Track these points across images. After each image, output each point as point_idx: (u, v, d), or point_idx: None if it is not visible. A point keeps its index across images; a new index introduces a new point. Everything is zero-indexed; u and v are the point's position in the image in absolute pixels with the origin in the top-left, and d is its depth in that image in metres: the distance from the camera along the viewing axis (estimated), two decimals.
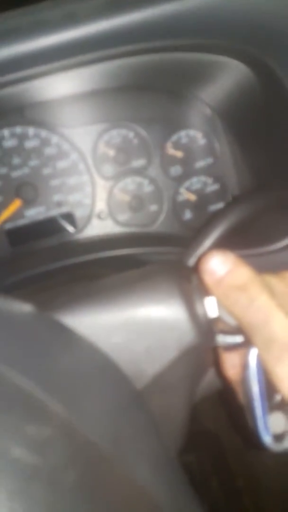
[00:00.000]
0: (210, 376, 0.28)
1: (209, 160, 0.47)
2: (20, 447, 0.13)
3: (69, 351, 0.20)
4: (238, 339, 0.26)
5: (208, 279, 0.25)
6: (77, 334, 0.23)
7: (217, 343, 0.26)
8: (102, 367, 0.22)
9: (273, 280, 0.25)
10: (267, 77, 0.34)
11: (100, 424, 0.17)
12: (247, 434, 0.25)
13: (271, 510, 0.56)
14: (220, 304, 0.25)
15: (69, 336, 0.22)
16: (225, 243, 0.33)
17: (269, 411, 0.24)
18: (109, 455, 0.17)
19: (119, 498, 0.15)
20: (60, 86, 0.43)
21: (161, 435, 0.22)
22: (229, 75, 0.38)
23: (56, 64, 0.31)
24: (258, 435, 0.24)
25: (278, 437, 0.24)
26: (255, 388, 0.24)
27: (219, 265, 0.25)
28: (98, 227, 0.46)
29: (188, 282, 0.27)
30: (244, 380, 0.25)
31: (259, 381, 0.24)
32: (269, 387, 0.24)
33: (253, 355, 0.25)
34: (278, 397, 0.25)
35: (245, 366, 0.25)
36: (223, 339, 0.26)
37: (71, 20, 0.31)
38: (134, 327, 0.25)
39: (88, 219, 0.46)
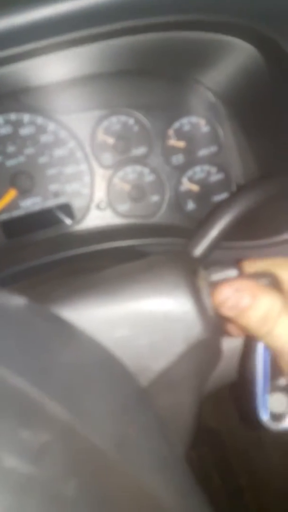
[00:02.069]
0: (216, 372, 0.27)
1: (213, 149, 0.45)
2: (13, 456, 0.11)
3: (68, 347, 0.19)
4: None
5: (229, 313, 0.25)
6: (77, 329, 0.21)
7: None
8: (105, 364, 0.20)
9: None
10: (276, 59, 0.32)
11: (104, 426, 0.16)
12: (246, 410, 0.26)
13: (273, 507, 0.55)
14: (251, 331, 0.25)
15: (68, 331, 0.20)
16: (232, 234, 0.32)
17: (270, 391, 0.25)
18: (115, 460, 0.15)
19: (126, 506, 0.14)
20: (57, 69, 0.41)
21: (168, 434, 0.21)
22: (234, 57, 0.36)
23: (51, 40, 0.29)
24: (257, 412, 0.25)
25: (277, 417, 0.25)
26: (260, 367, 0.25)
27: (232, 296, 0.25)
28: (97, 218, 0.44)
29: (194, 273, 0.25)
30: (250, 358, 0.25)
31: (265, 361, 0.25)
32: (273, 369, 0.25)
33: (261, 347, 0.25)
34: (281, 381, 0.25)
35: (253, 345, 0.25)
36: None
37: None
38: (138, 320, 0.23)
39: (86, 210, 0.44)
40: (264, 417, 0.25)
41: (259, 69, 0.34)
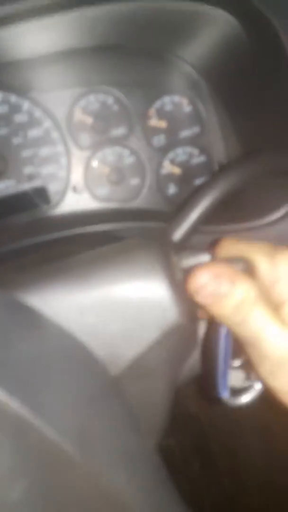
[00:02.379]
0: (193, 358, 0.27)
1: (195, 129, 0.43)
2: None
3: (28, 335, 0.17)
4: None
5: (201, 300, 0.23)
6: (41, 315, 0.20)
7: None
8: (70, 353, 0.19)
9: (267, 267, 0.23)
10: (259, 30, 0.30)
11: (63, 419, 0.14)
12: (208, 387, 0.26)
13: (252, 491, 0.56)
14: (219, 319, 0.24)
15: (29, 317, 0.19)
16: (215, 218, 0.30)
17: (230, 369, 0.25)
18: (74, 456, 0.14)
19: (81, 508, 0.13)
20: (31, 44, 0.39)
21: (140, 424, 0.20)
22: (216, 29, 0.34)
23: (21, 4, 0.27)
24: (218, 389, 0.25)
25: (235, 392, 0.26)
26: (221, 348, 0.24)
27: (213, 280, 0.23)
28: (74, 202, 0.42)
29: (169, 257, 0.24)
30: (212, 340, 0.25)
31: (226, 343, 0.24)
32: (233, 349, 0.25)
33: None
34: (239, 361, 0.26)
35: (215, 328, 0.24)
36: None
37: None
38: (110, 306, 0.22)
39: (62, 194, 0.42)
40: (224, 394, 0.25)
41: (242, 42, 0.33)
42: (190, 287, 0.23)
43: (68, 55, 0.41)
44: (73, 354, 0.19)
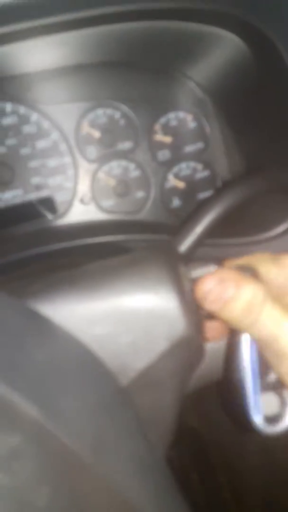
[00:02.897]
0: (198, 370, 0.27)
1: (200, 145, 0.44)
2: None
3: (43, 343, 0.18)
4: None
5: (210, 305, 0.24)
6: (54, 324, 0.20)
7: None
8: (82, 362, 0.19)
9: (273, 271, 0.24)
10: (264, 53, 0.31)
11: (79, 427, 0.15)
12: (237, 413, 0.24)
13: (252, 505, 0.56)
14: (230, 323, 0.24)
15: (44, 326, 0.19)
16: (220, 231, 0.31)
17: (262, 391, 0.23)
18: (89, 463, 0.14)
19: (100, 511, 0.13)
20: (41, 58, 0.40)
21: (148, 434, 0.20)
22: (221, 50, 0.35)
23: (34, 23, 0.28)
24: (249, 414, 0.23)
25: (270, 419, 0.24)
26: (247, 365, 0.23)
27: (219, 286, 0.23)
28: (80, 213, 0.43)
29: (177, 270, 0.25)
30: (236, 355, 0.24)
31: (252, 358, 0.23)
32: (262, 366, 0.24)
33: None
34: (271, 377, 0.24)
35: (237, 343, 0.24)
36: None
37: None
38: (119, 317, 0.23)
39: (69, 204, 0.43)
40: (258, 419, 0.23)
41: (247, 62, 0.34)
42: (198, 294, 0.24)
43: (77, 70, 0.42)
44: (85, 362, 0.19)
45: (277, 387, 0.24)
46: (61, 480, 0.12)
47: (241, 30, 0.31)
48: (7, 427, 0.12)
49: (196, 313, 0.24)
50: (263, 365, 0.24)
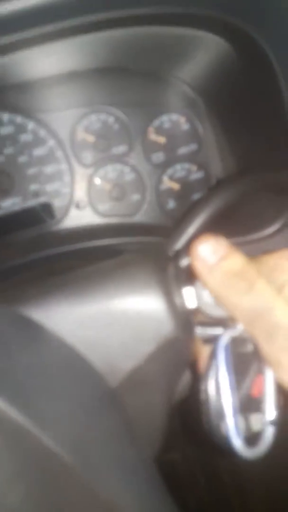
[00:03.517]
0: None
1: (193, 146, 0.45)
2: None
3: (28, 347, 0.18)
4: (219, 331, 0.24)
5: (200, 265, 0.23)
6: (41, 328, 0.21)
7: (196, 336, 0.25)
8: (68, 364, 0.20)
9: (263, 268, 0.23)
10: (249, 52, 0.32)
11: (61, 427, 0.15)
12: (210, 437, 0.23)
13: (258, 507, 0.55)
14: (214, 293, 0.23)
15: (30, 330, 0.20)
16: (210, 231, 0.31)
17: (240, 410, 0.22)
18: (71, 465, 0.15)
19: None
20: (35, 67, 0.41)
21: (137, 437, 0.21)
22: (207, 51, 0.36)
23: (28, 33, 0.29)
24: (227, 438, 0.21)
25: (251, 440, 0.22)
26: (225, 382, 0.22)
27: (212, 251, 0.23)
28: (78, 218, 0.44)
29: (165, 271, 0.25)
30: (211, 373, 0.23)
31: (229, 374, 0.22)
32: (239, 382, 0.23)
33: (222, 345, 0.23)
34: (245, 397, 0.23)
35: (213, 359, 0.23)
36: (202, 331, 0.25)
37: None
38: (108, 319, 0.23)
39: (66, 209, 0.44)
40: (237, 443, 0.21)
41: (232, 62, 0.34)
42: (191, 255, 0.23)
43: (71, 77, 0.43)
44: (72, 365, 0.20)
45: (256, 404, 0.22)
46: (37, 481, 0.13)
47: (224, 32, 0.32)
48: None
49: (185, 314, 0.24)
50: (240, 383, 0.22)
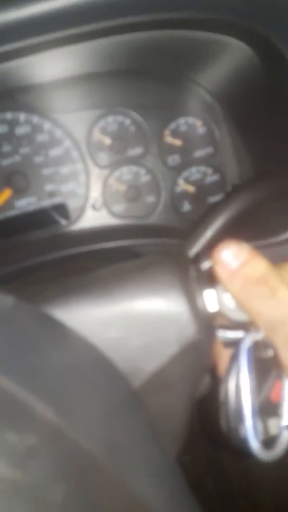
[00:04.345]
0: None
1: (209, 150, 0.45)
2: None
3: (58, 347, 0.18)
4: (240, 334, 0.24)
5: (222, 271, 0.23)
6: (68, 328, 0.21)
7: (217, 339, 0.25)
8: (96, 365, 0.20)
9: (285, 274, 0.23)
10: (271, 59, 0.32)
11: (93, 428, 0.15)
12: (228, 439, 0.23)
13: (266, 510, 0.55)
14: (235, 298, 0.23)
15: (58, 330, 0.20)
16: (227, 235, 0.31)
17: (259, 414, 0.22)
18: (104, 464, 0.15)
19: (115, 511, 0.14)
20: (53, 68, 0.41)
21: (160, 437, 0.21)
22: (230, 57, 0.36)
23: (47, 37, 0.29)
24: (244, 440, 0.22)
25: (268, 443, 0.22)
26: (246, 386, 0.22)
27: (234, 256, 0.23)
28: (92, 219, 0.44)
29: (187, 274, 0.25)
30: (232, 376, 0.23)
31: (250, 377, 0.23)
32: (259, 387, 0.23)
33: (245, 348, 0.23)
34: (264, 401, 0.23)
35: (234, 362, 0.23)
36: (223, 334, 0.25)
37: None
38: (131, 321, 0.23)
39: (82, 210, 0.44)
40: (255, 445, 0.21)
41: (255, 69, 0.34)
42: (214, 260, 0.23)
43: (88, 79, 0.43)
44: (99, 366, 0.20)
45: (275, 409, 0.23)
46: (76, 480, 0.13)
47: (248, 38, 0.32)
48: (24, 427, 0.12)
49: (207, 316, 0.24)
50: (260, 387, 0.23)
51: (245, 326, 0.24)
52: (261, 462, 0.22)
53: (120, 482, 0.15)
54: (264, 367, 0.24)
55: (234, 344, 0.24)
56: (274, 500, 0.53)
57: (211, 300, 0.24)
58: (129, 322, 0.23)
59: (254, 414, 0.22)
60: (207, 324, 0.24)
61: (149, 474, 0.17)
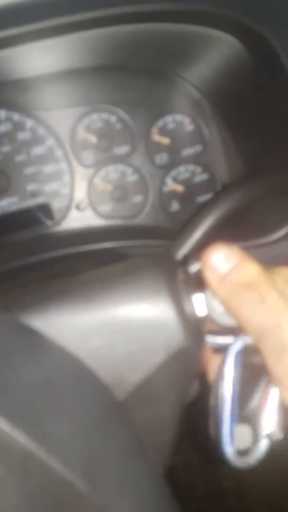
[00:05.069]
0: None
1: (198, 148, 0.44)
2: None
3: (34, 361, 0.17)
4: (229, 340, 0.23)
5: (211, 275, 0.22)
6: (46, 338, 0.20)
7: (206, 345, 0.24)
8: (76, 378, 0.18)
9: (277, 279, 0.22)
10: (262, 54, 0.31)
11: (71, 449, 0.14)
12: (206, 443, 0.23)
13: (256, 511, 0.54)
14: (224, 303, 0.22)
15: (34, 342, 0.18)
16: (217, 235, 0.30)
17: (237, 422, 0.22)
18: (83, 490, 0.13)
19: None
20: (35, 63, 0.39)
21: (146, 450, 0.19)
22: (218, 51, 0.35)
23: (28, 27, 0.28)
24: (220, 444, 0.22)
25: (242, 452, 0.22)
26: (228, 391, 0.22)
27: (223, 260, 0.22)
28: (78, 219, 0.42)
29: (175, 277, 0.24)
30: (217, 381, 0.23)
31: (234, 385, 0.22)
32: (243, 395, 0.22)
33: (232, 355, 0.22)
34: (250, 408, 0.23)
35: (221, 367, 0.22)
36: (212, 340, 0.24)
37: None
38: (115, 328, 0.22)
39: (66, 211, 0.42)
40: (229, 451, 0.22)
41: (245, 64, 0.33)
42: (202, 264, 0.22)
43: (72, 74, 0.41)
44: (78, 378, 0.19)
45: (252, 419, 0.23)
46: (47, 510, 0.11)
47: (237, 31, 0.31)
48: None
49: (195, 323, 0.23)
50: (243, 396, 0.22)
51: (234, 331, 0.23)
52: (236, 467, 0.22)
53: (99, 509, 0.13)
54: (254, 373, 0.24)
55: (223, 350, 0.23)
56: (265, 499, 0.53)
57: (199, 304, 0.23)
58: (113, 329, 0.22)
59: (233, 419, 0.22)
60: (196, 330, 0.23)
61: (133, 496, 0.15)
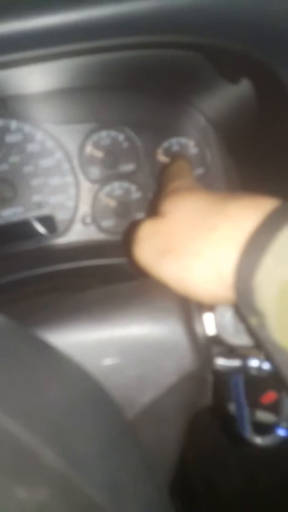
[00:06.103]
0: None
1: (200, 170, 0.45)
2: None
3: (56, 378, 0.17)
4: (237, 362, 0.25)
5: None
6: (63, 355, 0.20)
7: (215, 367, 0.25)
8: (92, 397, 0.19)
9: None
10: (272, 91, 0.32)
11: (95, 471, 0.14)
12: (230, 429, 0.26)
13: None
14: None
15: (55, 359, 0.19)
16: None
17: (253, 407, 0.25)
18: (107, 508, 0.14)
19: None
20: (48, 79, 0.40)
21: (152, 471, 0.20)
22: (232, 86, 0.36)
23: (41, 51, 0.28)
24: (240, 428, 0.24)
25: (261, 432, 0.25)
26: (241, 385, 0.24)
27: None
28: (80, 233, 0.43)
29: (186, 298, 0.25)
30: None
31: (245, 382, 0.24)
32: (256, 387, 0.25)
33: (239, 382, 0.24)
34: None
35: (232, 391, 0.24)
36: (221, 363, 0.25)
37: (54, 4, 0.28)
38: (128, 348, 0.22)
39: (69, 223, 0.43)
40: (247, 433, 0.24)
41: (253, 98, 0.35)
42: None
43: (83, 92, 0.42)
44: (95, 398, 0.19)
45: (267, 405, 0.25)
46: None
47: (250, 69, 0.32)
48: (33, 479, 0.11)
49: (206, 345, 0.24)
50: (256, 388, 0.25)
51: (244, 350, 0.25)
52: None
53: None
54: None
55: (232, 373, 0.25)
56: (235, 500, 0.53)
57: (209, 324, 0.24)
58: (125, 350, 0.22)
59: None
60: (206, 353, 0.24)
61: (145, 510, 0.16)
